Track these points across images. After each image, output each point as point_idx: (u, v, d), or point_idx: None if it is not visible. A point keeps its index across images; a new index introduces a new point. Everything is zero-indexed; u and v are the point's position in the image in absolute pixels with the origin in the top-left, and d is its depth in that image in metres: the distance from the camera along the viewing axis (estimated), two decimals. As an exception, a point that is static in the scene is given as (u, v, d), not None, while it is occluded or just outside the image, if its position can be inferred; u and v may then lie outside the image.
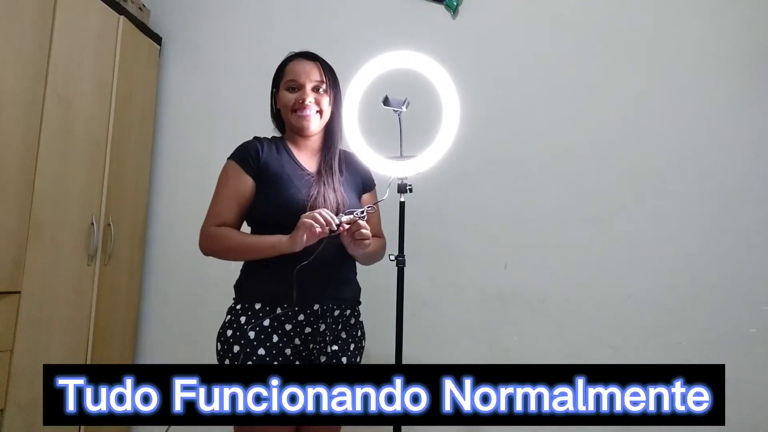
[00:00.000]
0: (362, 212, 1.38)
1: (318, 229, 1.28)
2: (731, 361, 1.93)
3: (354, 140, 1.47)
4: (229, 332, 1.39)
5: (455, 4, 2.33)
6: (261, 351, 1.36)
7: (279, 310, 1.39)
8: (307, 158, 1.54)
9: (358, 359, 1.53)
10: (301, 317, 1.41)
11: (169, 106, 2.64)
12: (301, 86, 1.49)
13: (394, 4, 2.41)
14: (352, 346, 1.50)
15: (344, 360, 1.47)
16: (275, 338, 1.38)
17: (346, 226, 1.33)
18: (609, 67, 2.18)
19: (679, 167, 2.08)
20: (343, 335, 1.47)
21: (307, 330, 1.41)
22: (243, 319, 1.39)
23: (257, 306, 1.40)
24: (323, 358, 1.42)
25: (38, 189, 1.90)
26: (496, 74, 2.27)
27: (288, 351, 1.39)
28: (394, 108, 1.43)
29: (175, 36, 2.67)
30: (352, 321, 1.51)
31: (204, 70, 2.61)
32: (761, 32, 2.07)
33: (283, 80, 1.53)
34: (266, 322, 1.38)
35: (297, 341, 1.41)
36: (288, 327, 1.40)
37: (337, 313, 1.46)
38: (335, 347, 1.44)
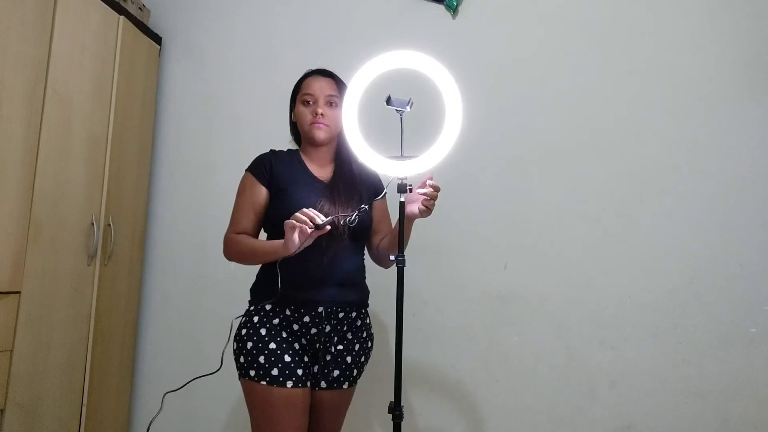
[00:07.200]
0: (361, 210, 1.44)
1: (306, 228, 1.32)
2: (731, 361, 1.95)
3: (354, 139, 1.47)
4: (244, 331, 1.50)
5: (455, 4, 2.32)
6: (272, 345, 1.46)
7: (288, 312, 1.48)
8: (319, 168, 1.62)
9: (362, 359, 1.59)
10: (307, 318, 1.48)
11: (169, 106, 2.63)
12: (315, 100, 1.58)
13: (394, 4, 2.40)
14: (357, 347, 1.56)
15: (348, 359, 1.54)
16: (284, 334, 1.48)
17: (328, 227, 1.37)
18: (609, 66, 2.18)
19: (680, 167, 2.08)
20: (349, 336, 1.54)
21: (313, 331, 1.49)
22: (256, 319, 1.50)
23: (267, 307, 1.51)
24: (328, 357, 1.51)
25: (38, 189, 1.89)
26: (495, 74, 2.27)
27: (297, 345, 1.48)
28: (397, 108, 1.43)
29: (175, 36, 2.67)
30: (358, 323, 1.57)
31: (204, 70, 2.61)
32: (761, 32, 2.07)
33: (299, 94, 1.62)
34: (276, 321, 1.49)
35: (303, 341, 1.49)
36: (295, 327, 1.49)
37: (341, 315, 1.52)
38: (340, 347, 1.53)
